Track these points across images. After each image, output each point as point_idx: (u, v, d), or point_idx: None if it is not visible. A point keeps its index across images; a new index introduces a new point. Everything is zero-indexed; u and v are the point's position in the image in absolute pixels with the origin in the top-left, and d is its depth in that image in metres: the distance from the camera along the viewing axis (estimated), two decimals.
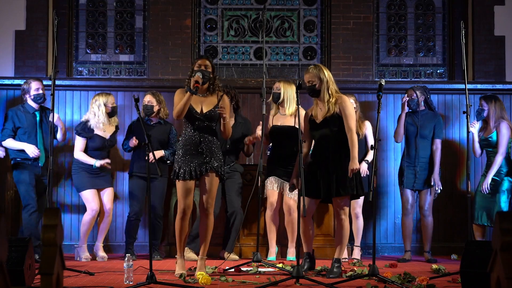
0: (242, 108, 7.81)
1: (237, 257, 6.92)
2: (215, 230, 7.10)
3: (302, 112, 6.14)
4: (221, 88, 5.75)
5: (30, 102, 6.92)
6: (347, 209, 5.69)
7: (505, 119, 7.00)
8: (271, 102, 6.95)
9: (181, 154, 5.54)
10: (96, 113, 6.97)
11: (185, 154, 5.53)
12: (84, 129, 6.99)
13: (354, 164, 5.54)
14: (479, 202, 6.97)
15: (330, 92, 5.69)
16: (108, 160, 6.98)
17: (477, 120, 7.12)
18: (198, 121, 5.53)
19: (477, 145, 7.11)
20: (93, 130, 6.96)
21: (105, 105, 6.97)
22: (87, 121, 7.00)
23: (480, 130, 7.13)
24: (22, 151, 6.82)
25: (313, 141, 5.80)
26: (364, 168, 6.93)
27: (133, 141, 6.88)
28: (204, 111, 5.54)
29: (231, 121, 6.59)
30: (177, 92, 5.60)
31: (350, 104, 5.73)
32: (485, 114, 7.02)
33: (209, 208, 5.59)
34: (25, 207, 6.82)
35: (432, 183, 7.03)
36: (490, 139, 6.99)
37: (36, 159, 6.81)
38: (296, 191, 6.60)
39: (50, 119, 6.14)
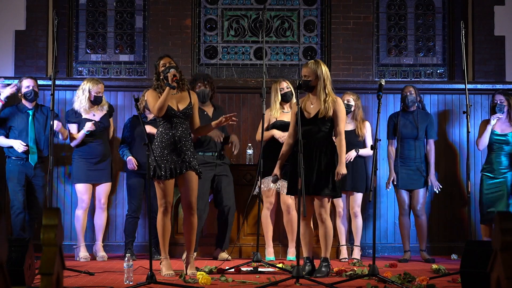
0: (242, 108, 7.82)
1: (228, 257, 6.71)
2: (208, 230, 7.12)
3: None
4: (188, 83, 5.94)
5: (23, 100, 6.93)
6: (328, 207, 5.67)
7: None
8: (275, 101, 6.93)
9: (159, 153, 5.58)
10: (79, 96, 6.97)
11: (162, 153, 5.57)
12: (72, 115, 6.99)
13: (342, 169, 5.57)
14: (488, 202, 6.91)
15: (327, 91, 5.69)
16: (92, 127, 6.88)
17: (500, 113, 6.92)
18: (175, 118, 5.60)
19: (487, 138, 7.00)
20: (81, 115, 6.96)
21: (89, 91, 6.96)
22: (73, 107, 7.02)
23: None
24: (13, 148, 6.82)
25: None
26: (352, 155, 6.92)
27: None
28: (180, 108, 5.64)
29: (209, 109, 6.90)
30: (150, 92, 5.71)
31: (344, 108, 5.77)
32: (506, 109, 6.94)
33: (194, 207, 5.66)
34: (12, 207, 6.83)
35: (430, 184, 7.02)
36: (508, 136, 6.93)
37: (27, 158, 6.80)
38: (281, 183, 6.62)
39: (50, 118, 6.14)
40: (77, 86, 7.73)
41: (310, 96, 5.76)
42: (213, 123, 5.84)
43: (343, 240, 7.06)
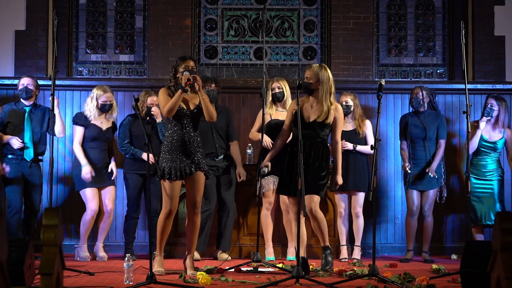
0: (242, 108, 7.83)
1: (228, 257, 6.67)
2: (210, 231, 7.11)
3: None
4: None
5: (21, 98, 6.94)
6: (317, 202, 5.71)
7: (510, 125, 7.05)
8: (269, 102, 6.95)
9: (167, 153, 5.58)
10: (88, 104, 6.98)
11: (172, 153, 5.57)
12: (81, 118, 6.99)
13: (340, 179, 5.82)
14: (475, 201, 6.98)
15: (331, 98, 5.69)
16: (89, 172, 6.85)
17: (488, 117, 7.01)
18: (186, 119, 5.59)
19: (476, 142, 7.04)
20: (89, 120, 6.97)
21: (96, 99, 6.97)
22: (84, 111, 7.03)
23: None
24: (10, 147, 6.82)
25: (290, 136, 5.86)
26: (349, 146, 6.95)
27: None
28: (191, 108, 5.66)
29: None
30: (162, 91, 5.67)
31: (343, 115, 5.87)
32: (494, 114, 7.00)
33: (198, 206, 5.68)
34: (8, 207, 6.82)
35: (428, 171, 6.99)
36: (496, 144, 6.99)
37: (22, 156, 6.80)
38: (272, 180, 6.65)
39: (50, 119, 6.15)
40: (77, 86, 7.77)
41: (310, 98, 5.76)
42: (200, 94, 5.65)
43: (343, 240, 7.06)
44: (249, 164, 7.38)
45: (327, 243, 5.79)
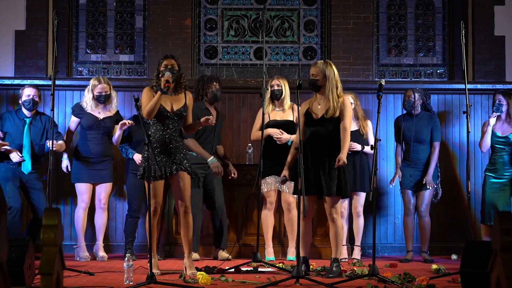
0: (242, 108, 7.83)
1: (229, 256, 6.73)
2: (207, 230, 7.13)
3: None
4: (187, 86, 5.89)
5: (22, 108, 6.93)
6: (338, 207, 5.68)
7: None
8: (267, 99, 6.94)
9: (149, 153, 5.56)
10: (86, 95, 6.99)
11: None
12: (78, 108, 6.99)
13: (344, 156, 5.54)
14: (490, 201, 6.94)
15: (338, 92, 5.68)
16: (65, 167, 6.94)
17: (497, 112, 6.95)
18: (168, 119, 5.61)
19: (489, 140, 7.02)
20: (85, 110, 6.95)
21: (92, 90, 6.96)
22: (81, 102, 7.04)
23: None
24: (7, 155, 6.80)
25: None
26: (357, 147, 6.92)
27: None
28: (175, 109, 5.66)
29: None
30: (145, 91, 5.71)
31: (350, 106, 5.78)
32: (504, 109, 6.97)
33: (188, 205, 5.68)
34: (9, 208, 6.80)
35: (425, 182, 6.99)
36: (509, 138, 6.94)
37: (19, 164, 6.79)
38: (288, 184, 6.60)
39: (49, 126, 6.14)
40: (77, 86, 7.77)
41: (317, 96, 5.76)
42: (202, 120, 5.80)
43: (343, 240, 7.05)
44: (249, 164, 7.39)
45: (338, 256, 5.67)
